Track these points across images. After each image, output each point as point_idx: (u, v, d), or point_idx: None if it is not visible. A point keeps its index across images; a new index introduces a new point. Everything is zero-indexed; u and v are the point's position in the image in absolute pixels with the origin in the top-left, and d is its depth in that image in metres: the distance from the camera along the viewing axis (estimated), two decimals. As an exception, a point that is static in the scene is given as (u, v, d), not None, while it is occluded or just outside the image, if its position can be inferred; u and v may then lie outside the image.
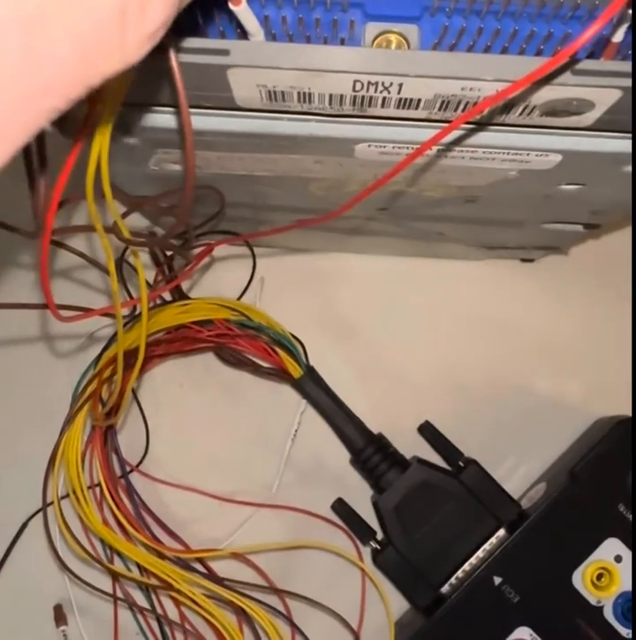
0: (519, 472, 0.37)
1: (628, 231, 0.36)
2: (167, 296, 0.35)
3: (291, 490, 0.37)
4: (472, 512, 0.35)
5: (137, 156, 0.22)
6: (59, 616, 0.37)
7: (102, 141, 0.15)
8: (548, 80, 0.15)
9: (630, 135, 0.18)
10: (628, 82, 0.15)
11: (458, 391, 0.37)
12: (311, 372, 0.35)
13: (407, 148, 0.20)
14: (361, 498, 0.36)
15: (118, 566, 0.34)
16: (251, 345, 0.35)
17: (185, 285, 0.37)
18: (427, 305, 0.38)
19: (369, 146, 0.20)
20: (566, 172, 0.21)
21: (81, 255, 0.20)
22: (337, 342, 0.37)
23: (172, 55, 0.14)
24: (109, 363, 0.31)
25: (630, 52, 0.16)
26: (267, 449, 0.37)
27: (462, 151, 0.20)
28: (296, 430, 0.37)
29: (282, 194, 0.26)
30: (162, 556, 0.33)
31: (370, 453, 0.35)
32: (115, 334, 0.32)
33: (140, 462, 0.37)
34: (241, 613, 0.33)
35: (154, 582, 0.33)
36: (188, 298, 0.35)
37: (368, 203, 0.27)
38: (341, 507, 0.36)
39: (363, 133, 0.19)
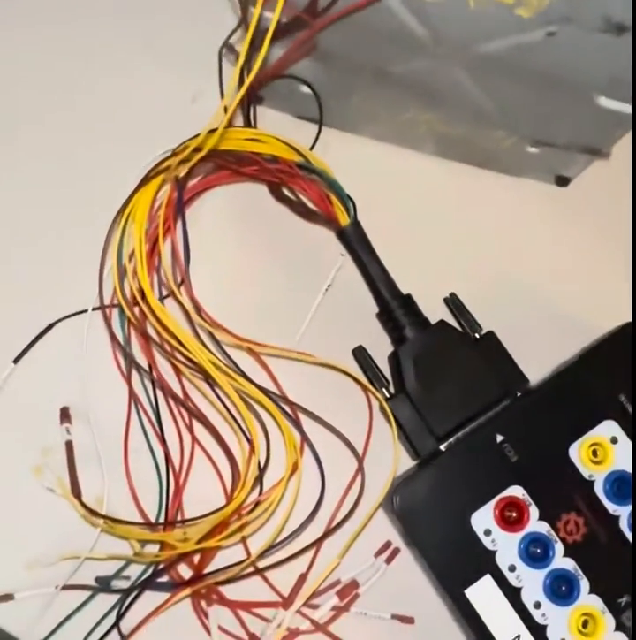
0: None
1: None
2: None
3: (315, 340, 0.38)
4: (484, 378, 0.37)
5: None
6: (65, 416, 0.37)
7: None
8: None
9: None
10: None
11: (485, 275, 0.40)
12: (357, 225, 0.38)
13: None
14: (379, 358, 0.38)
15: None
16: (308, 187, 0.38)
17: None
18: (465, 207, 0.41)
19: None
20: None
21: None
22: (383, 216, 0.39)
23: None
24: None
25: None
26: (297, 299, 0.39)
27: None
28: (329, 285, 0.39)
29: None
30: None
31: (397, 306, 0.37)
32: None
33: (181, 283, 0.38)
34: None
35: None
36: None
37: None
38: (361, 354, 0.37)
39: None
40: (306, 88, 0.38)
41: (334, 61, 0.35)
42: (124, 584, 0.34)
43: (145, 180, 0.33)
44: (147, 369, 0.36)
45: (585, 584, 0.34)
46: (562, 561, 0.34)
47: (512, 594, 0.33)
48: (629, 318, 0.37)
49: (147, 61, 0.41)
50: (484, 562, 0.34)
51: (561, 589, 0.34)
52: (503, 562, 0.34)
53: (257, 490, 0.33)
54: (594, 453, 0.35)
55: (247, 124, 0.38)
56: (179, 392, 0.35)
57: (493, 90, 0.34)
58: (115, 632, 0.34)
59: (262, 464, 0.33)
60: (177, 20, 0.41)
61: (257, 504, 0.33)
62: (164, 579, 0.34)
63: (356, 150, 0.41)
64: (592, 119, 0.34)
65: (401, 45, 0.33)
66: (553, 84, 0.33)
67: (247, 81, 0.30)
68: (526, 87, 0.33)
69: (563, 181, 0.41)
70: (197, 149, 0.33)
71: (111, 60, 0.41)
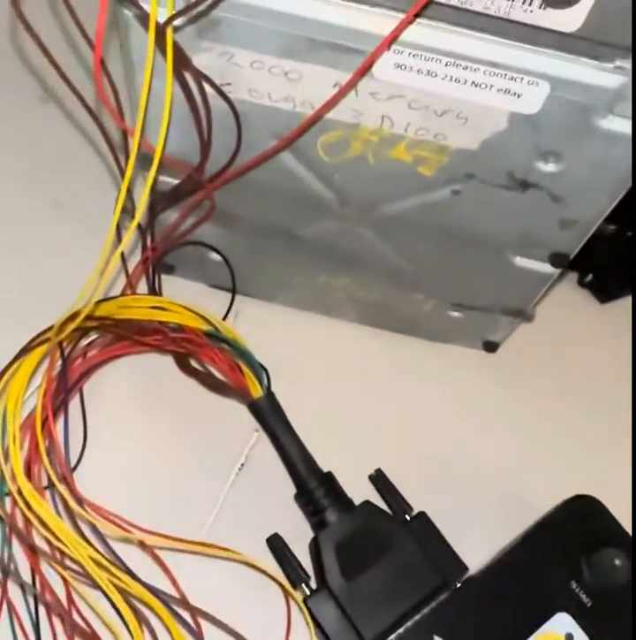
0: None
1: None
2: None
3: (226, 529, 0.34)
4: (418, 567, 0.32)
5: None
6: None
7: None
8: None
9: (606, 65, 0.22)
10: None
11: (413, 451, 0.36)
12: (270, 396, 0.35)
13: (434, 59, 0.23)
14: (299, 543, 0.33)
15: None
16: (217, 357, 0.35)
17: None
18: (390, 377, 0.39)
19: (389, 51, 0.23)
20: (549, 122, 0.24)
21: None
22: (300, 387, 0.37)
23: None
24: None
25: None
26: (209, 479, 0.35)
27: (459, 66, 0.23)
28: (242, 465, 0.35)
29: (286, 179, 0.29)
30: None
31: (316, 486, 0.33)
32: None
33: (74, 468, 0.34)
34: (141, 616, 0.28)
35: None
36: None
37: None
38: (276, 543, 0.33)
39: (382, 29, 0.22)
40: (216, 256, 0.37)
41: (240, 225, 0.34)
42: None
43: (22, 353, 0.29)
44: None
45: None
46: None
47: None
48: (569, 494, 0.34)
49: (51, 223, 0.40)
50: None
51: None
52: None
53: None
54: (549, 654, 0.30)
55: (153, 292, 0.36)
56: (64, 602, 0.30)
57: (405, 251, 0.33)
58: None
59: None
60: (89, 187, 0.41)
61: None
62: None
63: (271, 318, 0.39)
64: (509, 280, 0.33)
65: (306, 207, 0.31)
66: (465, 244, 0.31)
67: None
68: (439, 247, 0.32)
69: (491, 347, 0.40)
70: (87, 318, 0.30)
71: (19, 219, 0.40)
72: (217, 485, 0.35)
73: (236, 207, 0.32)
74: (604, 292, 0.42)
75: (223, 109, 0.26)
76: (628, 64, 0.22)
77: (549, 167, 0.26)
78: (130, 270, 0.35)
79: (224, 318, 0.38)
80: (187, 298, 0.36)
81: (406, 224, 0.31)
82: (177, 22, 0.23)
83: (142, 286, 0.36)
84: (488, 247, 0.31)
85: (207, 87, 0.25)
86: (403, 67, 0.23)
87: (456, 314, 0.37)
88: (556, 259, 0.31)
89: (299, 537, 0.33)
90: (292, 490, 0.34)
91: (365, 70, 0.22)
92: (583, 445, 0.38)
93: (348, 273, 0.36)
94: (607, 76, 0.23)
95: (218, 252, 0.36)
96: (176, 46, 0.23)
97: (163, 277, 0.39)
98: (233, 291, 0.38)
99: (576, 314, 0.42)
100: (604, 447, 0.38)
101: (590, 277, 0.42)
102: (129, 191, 0.26)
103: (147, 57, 0.20)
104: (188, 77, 0.24)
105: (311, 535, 0.33)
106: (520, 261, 0.32)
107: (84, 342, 0.35)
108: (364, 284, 0.36)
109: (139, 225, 0.33)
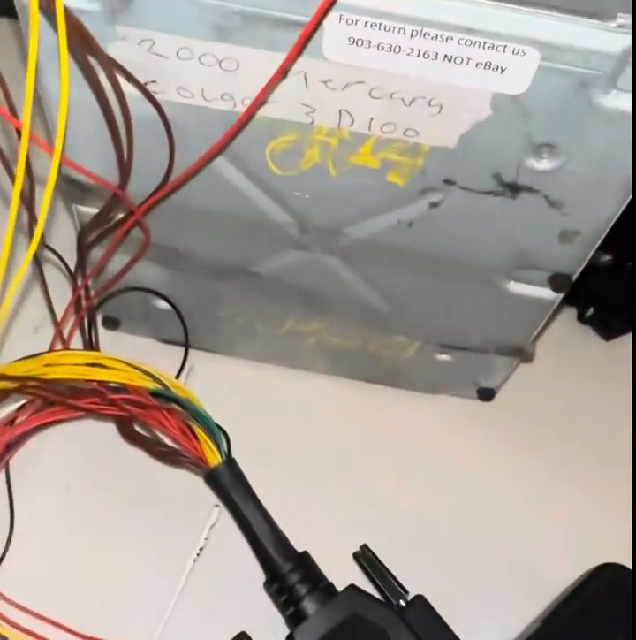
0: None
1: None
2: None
3: (183, 630, 0.28)
4: (416, 663, 0.26)
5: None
6: None
7: None
8: None
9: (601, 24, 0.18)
10: None
11: (404, 523, 0.31)
12: (231, 464, 0.29)
13: (397, 29, 0.19)
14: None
15: None
16: (166, 420, 0.29)
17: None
18: (371, 437, 0.34)
19: (340, 22, 0.19)
20: (540, 104, 0.20)
21: None
22: (266, 452, 0.32)
23: None
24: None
25: None
26: (160, 570, 0.29)
27: (427, 35, 0.19)
28: (201, 548, 0.29)
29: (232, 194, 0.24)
30: None
31: (290, 570, 0.28)
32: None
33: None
34: None
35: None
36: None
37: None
38: (243, 644, 0.27)
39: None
40: (164, 304, 0.32)
41: (186, 264, 0.29)
42: None
43: None
44: None
45: None
46: None
47: None
48: (591, 562, 0.29)
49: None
50: None
51: None
52: None
53: None
54: None
55: (89, 346, 0.31)
56: None
57: (381, 283, 0.28)
58: None
59: None
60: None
61: None
62: None
63: (230, 374, 0.34)
64: (504, 311, 0.28)
65: (260, 237, 0.27)
66: (450, 270, 0.27)
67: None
68: (419, 277, 0.27)
69: (486, 394, 0.35)
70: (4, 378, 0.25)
71: None
72: (171, 576, 0.29)
73: (178, 240, 0.28)
74: (608, 327, 0.38)
75: (150, 115, 0.22)
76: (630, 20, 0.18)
77: (544, 164, 0.22)
78: (59, 320, 0.30)
79: (178, 376, 0.33)
80: (136, 356, 0.31)
81: (380, 250, 0.27)
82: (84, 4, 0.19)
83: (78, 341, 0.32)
84: (477, 273, 0.27)
85: (127, 87, 0.21)
86: (359, 42, 0.19)
87: (444, 357, 0.32)
88: (556, 281, 0.27)
89: (271, 635, 0.28)
90: (261, 576, 0.28)
91: (307, 37, 0.18)
92: (599, 503, 0.33)
93: (317, 316, 0.31)
94: (608, 37, 0.18)
95: (165, 298, 0.31)
96: (77, 26, 0.18)
97: (108, 333, 0.34)
98: (186, 344, 0.33)
99: (579, 354, 0.37)
100: (623, 504, 0.33)
101: (591, 311, 0.38)
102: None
103: (31, 24, 0.16)
104: (98, 69, 0.20)
105: (286, 631, 0.27)
106: (515, 286, 0.27)
107: (10, 408, 0.30)
108: (336, 327, 0.31)
109: (67, 267, 0.29)
